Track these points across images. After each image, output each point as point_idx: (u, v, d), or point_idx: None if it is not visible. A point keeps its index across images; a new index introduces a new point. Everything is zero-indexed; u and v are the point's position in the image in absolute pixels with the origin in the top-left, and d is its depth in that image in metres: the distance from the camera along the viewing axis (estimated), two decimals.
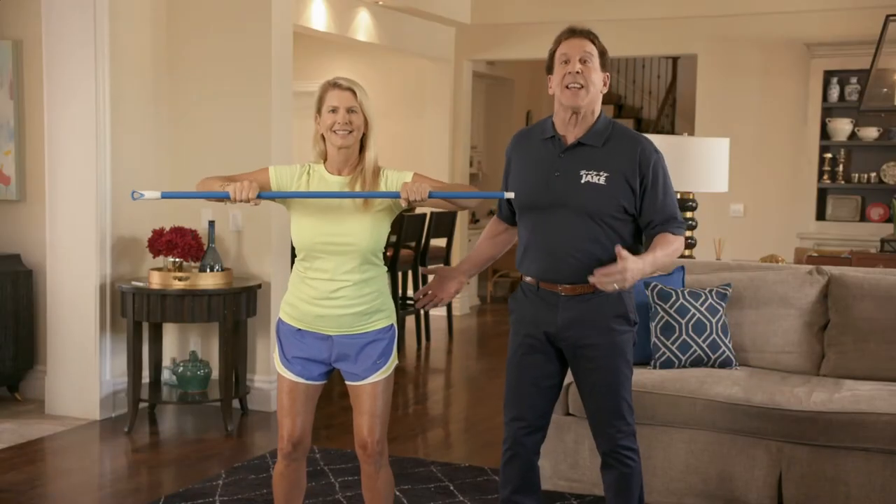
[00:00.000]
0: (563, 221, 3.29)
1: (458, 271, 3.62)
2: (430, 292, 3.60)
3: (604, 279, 3.13)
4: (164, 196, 3.22)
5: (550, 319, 3.35)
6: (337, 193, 3.25)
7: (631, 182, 3.28)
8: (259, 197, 3.17)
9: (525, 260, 3.42)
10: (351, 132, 3.27)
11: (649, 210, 3.31)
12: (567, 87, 3.28)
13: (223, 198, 3.18)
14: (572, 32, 3.33)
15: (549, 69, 3.37)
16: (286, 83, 6.08)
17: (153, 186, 6.01)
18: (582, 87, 3.26)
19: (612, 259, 3.20)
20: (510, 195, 3.17)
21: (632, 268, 3.12)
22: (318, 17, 7.92)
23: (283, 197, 3.29)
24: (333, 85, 3.30)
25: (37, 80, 6.05)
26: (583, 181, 3.27)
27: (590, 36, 3.33)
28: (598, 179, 3.26)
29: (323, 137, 3.34)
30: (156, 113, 6.13)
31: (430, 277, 3.59)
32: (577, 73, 3.26)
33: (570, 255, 3.29)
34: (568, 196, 3.28)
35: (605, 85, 3.35)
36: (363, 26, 8.54)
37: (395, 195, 3.16)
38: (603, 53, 3.34)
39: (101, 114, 5.74)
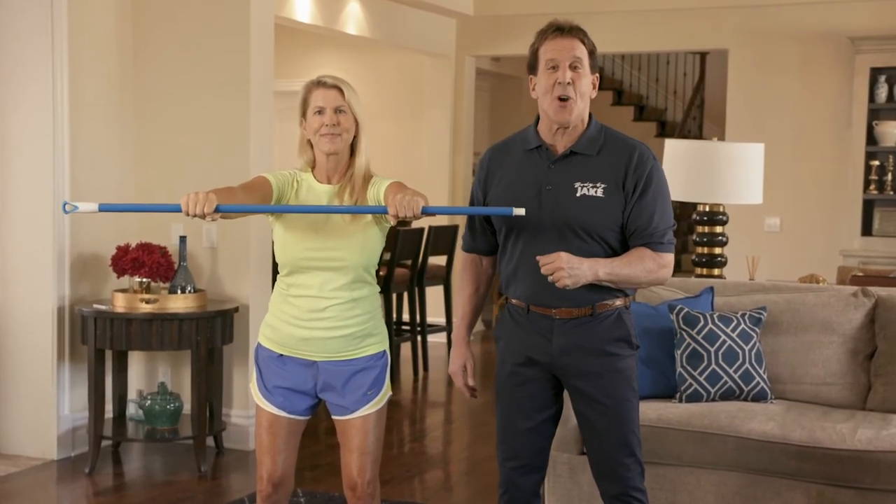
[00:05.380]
0: (557, 239, 3.27)
1: (466, 353, 3.55)
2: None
3: (546, 267, 3.12)
4: (102, 209, 3.16)
5: (544, 347, 3.34)
6: (316, 208, 3.25)
7: (627, 191, 3.27)
8: (217, 210, 3.03)
9: (513, 282, 3.39)
10: (340, 135, 3.29)
11: (634, 218, 3.27)
12: (558, 98, 3.26)
13: (174, 211, 3.08)
14: (560, 30, 3.29)
15: (532, 68, 3.35)
16: (267, 79, 6.09)
17: (118, 196, 6.01)
18: (570, 98, 3.25)
19: None
20: (520, 211, 3.15)
21: (566, 259, 3.10)
22: (303, 9, 7.95)
23: (245, 211, 3.26)
24: (318, 83, 3.33)
25: None
26: (578, 194, 3.25)
27: (579, 35, 3.30)
28: (596, 192, 3.25)
29: (310, 143, 3.35)
30: (120, 113, 6.13)
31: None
32: (568, 83, 3.24)
33: None
34: (562, 211, 3.27)
35: (594, 88, 3.33)
36: (353, 18, 8.57)
37: (383, 210, 3.12)
38: (592, 53, 3.32)
39: (58, 114, 5.74)
